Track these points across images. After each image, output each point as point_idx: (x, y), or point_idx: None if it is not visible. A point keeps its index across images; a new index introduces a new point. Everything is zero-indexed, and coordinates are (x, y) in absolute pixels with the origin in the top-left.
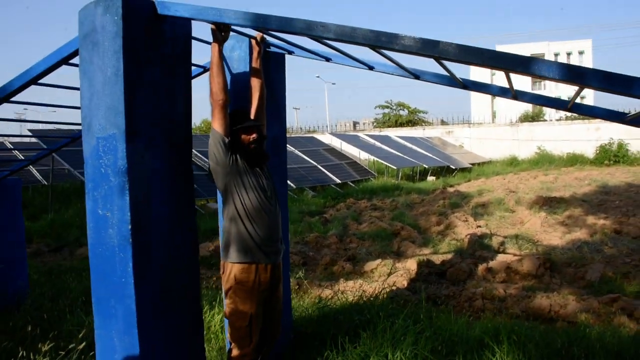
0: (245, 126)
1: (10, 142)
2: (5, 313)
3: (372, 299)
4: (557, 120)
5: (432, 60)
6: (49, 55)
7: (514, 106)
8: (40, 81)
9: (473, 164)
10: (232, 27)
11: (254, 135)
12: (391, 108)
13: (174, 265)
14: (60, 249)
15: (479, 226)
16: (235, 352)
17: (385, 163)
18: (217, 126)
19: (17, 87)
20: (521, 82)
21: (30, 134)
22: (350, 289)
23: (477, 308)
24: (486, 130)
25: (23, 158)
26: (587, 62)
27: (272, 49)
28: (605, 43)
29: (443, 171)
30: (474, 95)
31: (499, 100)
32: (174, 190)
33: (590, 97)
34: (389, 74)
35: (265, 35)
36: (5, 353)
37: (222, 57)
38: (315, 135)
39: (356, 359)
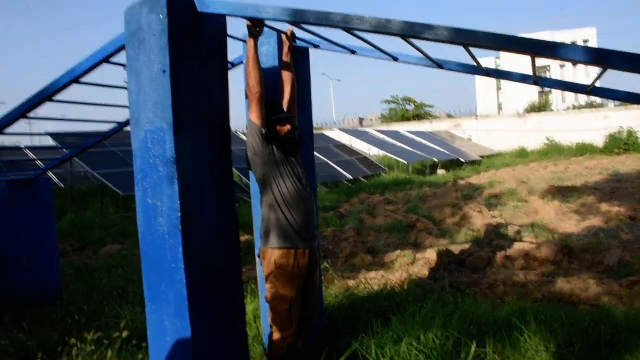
0: (279, 117)
1: (26, 147)
2: (43, 307)
3: (396, 287)
4: (565, 110)
5: (454, 50)
6: (92, 54)
7: (519, 97)
8: (81, 80)
9: (482, 157)
10: (269, 24)
11: (288, 127)
12: (397, 103)
13: (218, 250)
14: (83, 248)
15: (494, 216)
16: (276, 335)
17: (396, 158)
18: (255, 118)
19: (60, 86)
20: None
21: (49, 137)
22: (373, 279)
23: (499, 294)
24: (493, 122)
25: (35, 158)
26: None
27: (298, 42)
28: (610, 31)
29: (452, 164)
30: (479, 87)
31: (504, 91)
32: (216, 178)
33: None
34: (412, 64)
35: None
36: (52, 342)
37: (257, 51)
38: (324, 132)
39: (389, 341)
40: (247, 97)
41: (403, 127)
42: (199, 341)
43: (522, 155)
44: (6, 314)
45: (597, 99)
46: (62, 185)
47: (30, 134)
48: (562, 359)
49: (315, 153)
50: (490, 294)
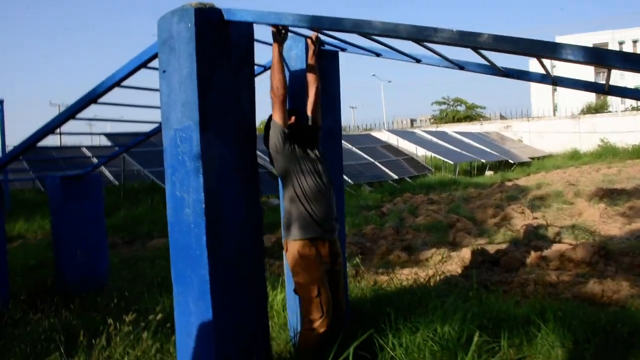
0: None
1: (84, 146)
2: (91, 293)
3: (425, 283)
4: (622, 111)
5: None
6: (131, 60)
7: (576, 98)
8: (122, 84)
9: (532, 158)
10: (290, 28)
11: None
12: (448, 104)
13: (241, 240)
14: (133, 241)
15: (536, 218)
16: (307, 325)
17: (442, 158)
18: (278, 119)
19: (104, 89)
20: (584, 72)
21: (103, 137)
22: (405, 276)
23: (528, 293)
24: (546, 123)
25: (92, 156)
26: None
27: (327, 47)
28: None
29: (501, 166)
30: (534, 89)
31: (561, 92)
32: (240, 174)
33: None
34: (435, 65)
35: (320, 35)
36: (96, 323)
37: (282, 56)
38: (372, 133)
39: (408, 332)
40: (271, 98)
41: (453, 129)
42: (221, 322)
43: (574, 157)
44: (57, 297)
45: None
46: (117, 183)
47: (90, 134)
48: (577, 356)
49: (362, 153)
50: (520, 293)
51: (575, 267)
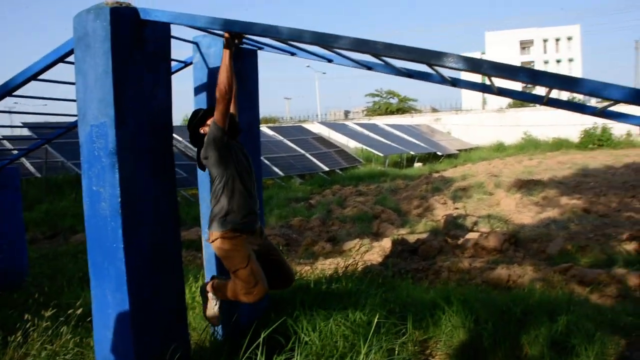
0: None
1: (3, 137)
2: (8, 289)
3: (344, 272)
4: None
5: None
6: (48, 54)
7: None
8: (39, 77)
9: (460, 150)
10: (210, 30)
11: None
12: (381, 96)
13: (158, 233)
14: (55, 236)
15: (457, 208)
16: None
17: (373, 150)
18: (220, 120)
19: (19, 82)
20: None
21: (23, 127)
22: (326, 266)
23: (443, 280)
24: (474, 116)
25: (12, 148)
26: (576, 47)
27: (245, 45)
28: (594, 28)
29: (430, 158)
30: None
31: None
32: (157, 168)
33: None
34: (345, 65)
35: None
36: (12, 319)
37: (231, 60)
38: (305, 125)
39: (322, 318)
40: (217, 98)
41: (384, 121)
42: (138, 313)
43: (499, 149)
44: None
45: (579, 96)
46: (39, 175)
47: (11, 127)
48: (477, 335)
49: (293, 145)
50: (434, 279)
51: (488, 254)
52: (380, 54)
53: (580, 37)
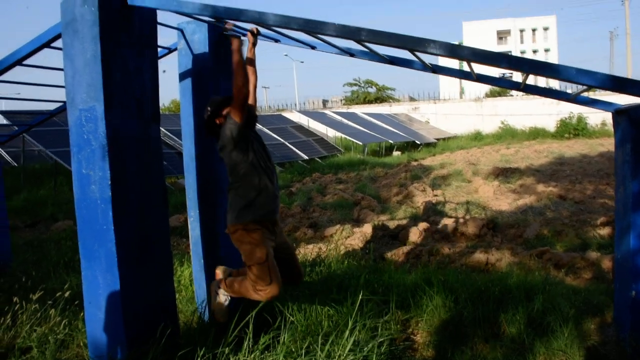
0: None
1: None
2: None
3: (326, 256)
4: (521, 95)
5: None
6: (33, 39)
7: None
8: (24, 62)
9: (438, 139)
10: (194, 16)
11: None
12: (359, 85)
13: (147, 215)
14: (36, 224)
15: (436, 195)
16: (256, 295)
17: (352, 139)
18: (239, 116)
19: (4, 67)
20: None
21: (0, 115)
22: (309, 250)
23: (423, 263)
24: (452, 106)
25: None
26: (552, 37)
27: (230, 32)
28: (570, 19)
29: (409, 146)
30: None
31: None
32: (145, 152)
33: None
34: (328, 52)
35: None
36: (0, 303)
37: (242, 55)
38: (283, 114)
39: (307, 299)
40: (234, 95)
41: (363, 110)
42: (128, 293)
43: (477, 138)
44: None
45: (555, 85)
46: (16, 164)
47: None
48: (457, 314)
49: (272, 134)
50: (415, 263)
51: (467, 240)
52: (364, 40)
53: (557, 27)
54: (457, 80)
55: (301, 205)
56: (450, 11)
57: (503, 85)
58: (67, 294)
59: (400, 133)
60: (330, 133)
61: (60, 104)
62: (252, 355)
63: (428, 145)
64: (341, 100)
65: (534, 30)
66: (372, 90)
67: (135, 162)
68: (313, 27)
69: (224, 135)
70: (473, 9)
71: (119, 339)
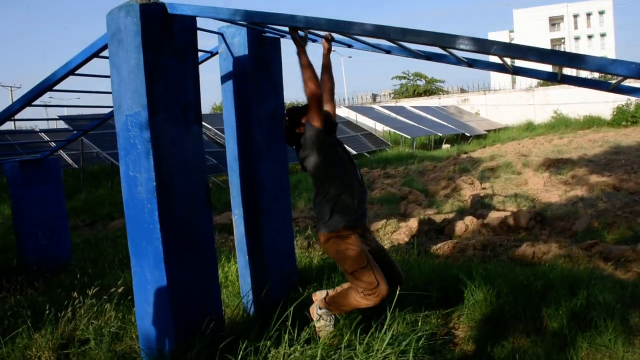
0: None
1: (39, 127)
2: (55, 272)
3: None
4: None
5: None
6: (84, 50)
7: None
8: (77, 72)
9: (489, 131)
10: (228, 20)
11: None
12: (408, 79)
13: (191, 214)
14: (94, 223)
15: (484, 188)
16: (366, 301)
17: (400, 133)
18: (317, 121)
19: (58, 78)
20: None
21: (61, 120)
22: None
23: (468, 257)
24: (502, 96)
25: (49, 140)
26: (608, 22)
27: (268, 34)
28: (627, 2)
29: (458, 139)
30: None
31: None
32: (187, 154)
33: None
34: (364, 50)
35: (263, 24)
36: (61, 298)
37: (307, 57)
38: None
39: None
40: (308, 100)
41: (411, 103)
42: (175, 288)
43: (529, 129)
44: (21, 278)
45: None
46: (76, 166)
47: (47, 119)
48: (498, 308)
49: None
50: (461, 257)
51: (513, 233)
52: (394, 39)
53: (613, 10)
54: None
55: None
56: None
57: (540, 77)
58: (120, 290)
59: (450, 125)
60: (378, 127)
61: (112, 108)
62: (292, 348)
63: (478, 137)
64: (390, 94)
65: (588, 14)
66: (421, 82)
67: (178, 163)
68: (341, 27)
69: (305, 144)
70: None
71: (167, 332)
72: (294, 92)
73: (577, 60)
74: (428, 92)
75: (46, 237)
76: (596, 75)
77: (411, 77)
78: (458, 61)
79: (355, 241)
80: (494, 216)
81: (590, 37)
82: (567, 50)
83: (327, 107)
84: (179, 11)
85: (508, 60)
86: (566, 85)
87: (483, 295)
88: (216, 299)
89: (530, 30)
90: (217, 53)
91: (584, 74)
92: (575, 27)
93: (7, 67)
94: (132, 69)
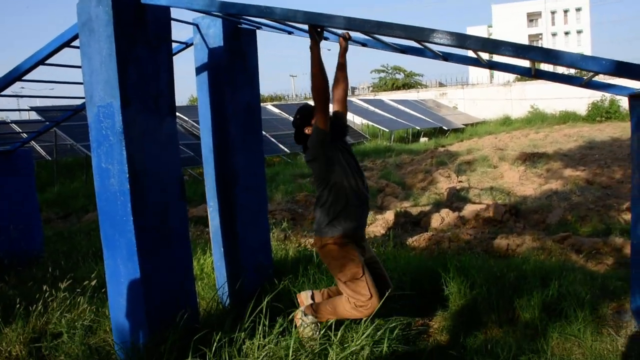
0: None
1: (11, 119)
2: (27, 265)
3: None
4: None
5: None
6: (53, 40)
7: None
8: (46, 62)
9: (466, 125)
10: (203, 11)
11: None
12: (387, 72)
13: (164, 206)
14: (68, 216)
15: (460, 181)
16: (357, 313)
17: (378, 126)
18: (323, 124)
19: (27, 68)
20: None
21: (33, 111)
22: None
23: (443, 249)
24: (480, 91)
25: (21, 131)
26: (585, 18)
27: (244, 25)
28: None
29: (436, 132)
30: None
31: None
32: (161, 146)
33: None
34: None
35: (238, 15)
36: (33, 292)
37: (320, 54)
38: (310, 102)
39: (324, 285)
40: (314, 100)
41: (390, 97)
42: (148, 280)
43: (506, 123)
44: None
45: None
46: (50, 158)
47: (19, 110)
48: (472, 299)
49: None
50: (436, 249)
51: (488, 225)
52: (370, 32)
53: (590, 8)
54: None
55: None
56: None
57: (514, 72)
58: (94, 283)
59: (428, 119)
60: (356, 120)
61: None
62: (267, 339)
63: (456, 131)
64: (369, 87)
65: (565, 11)
66: (400, 76)
67: (152, 155)
68: (318, 20)
69: (310, 146)
70: None
71: (141, 324)
72: (269, 84)
73: (550, 55)
74: (407, 85)
75: (18, 230)
76: (572, 71)
77: (390, 71)
78: (434, 55)
79: (353, 251)
80: (469, 209)
81: (567, 33)
82: (544, 46)
83: (338, 107)
84: (153, 1)
85: (484, 55)
86: (543, 81)
87: (457, 287)
88: (191, 291)
89: (509, 25)
90: (192, 44)
91: (561, 69)
92: (553, 24)
93: None
94: (103, 59)
